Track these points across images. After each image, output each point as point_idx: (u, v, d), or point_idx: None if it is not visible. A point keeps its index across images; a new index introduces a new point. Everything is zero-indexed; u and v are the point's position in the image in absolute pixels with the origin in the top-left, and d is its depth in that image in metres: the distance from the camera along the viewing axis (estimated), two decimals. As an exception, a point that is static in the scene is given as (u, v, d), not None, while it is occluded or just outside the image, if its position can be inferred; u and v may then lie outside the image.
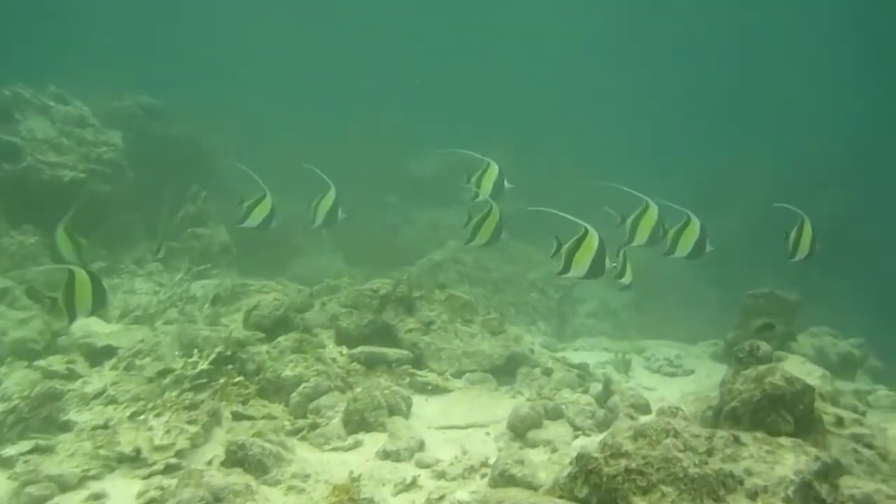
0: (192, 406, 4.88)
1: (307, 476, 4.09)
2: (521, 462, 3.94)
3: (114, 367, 5.92)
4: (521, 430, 4.92)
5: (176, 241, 9.42)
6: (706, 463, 2.74)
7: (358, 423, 4.95)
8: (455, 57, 28.51)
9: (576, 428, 5.09)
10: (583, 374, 6.52)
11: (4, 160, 8.70)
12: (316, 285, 8.78)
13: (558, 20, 29.90)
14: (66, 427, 4.76)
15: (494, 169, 5.82)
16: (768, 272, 9.78)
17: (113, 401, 5.20)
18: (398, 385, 5.64)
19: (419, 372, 6.05)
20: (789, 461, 2.78)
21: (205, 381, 5.39)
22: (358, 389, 5.27)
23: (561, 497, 2.99)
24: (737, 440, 2.89)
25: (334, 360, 5.82)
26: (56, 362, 5.94)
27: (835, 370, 6.71)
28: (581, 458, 2.93)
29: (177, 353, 5.93)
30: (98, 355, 6.17)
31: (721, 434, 2.91)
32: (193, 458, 4.45)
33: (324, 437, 4.81)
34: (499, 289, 11.17)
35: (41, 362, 5.94)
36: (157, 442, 4.46)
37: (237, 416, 5.04)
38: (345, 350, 6.13)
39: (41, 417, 4.70)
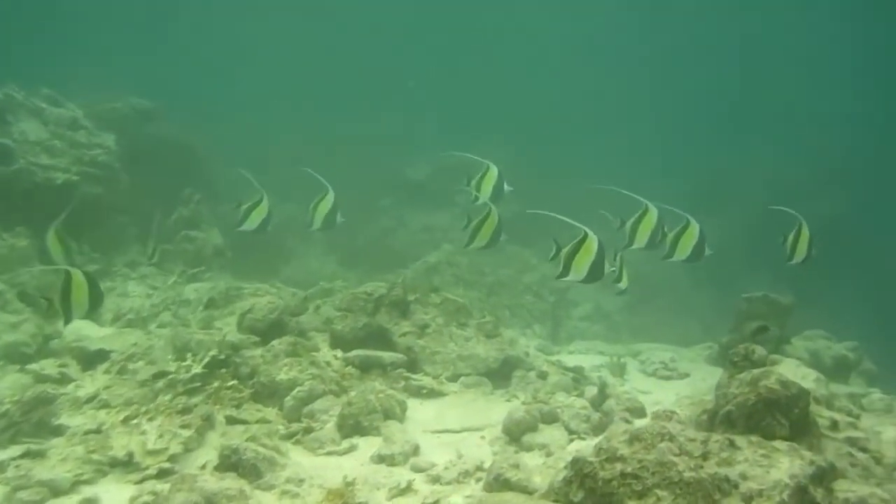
0: (186, 410, 4.86)
1: (301, 481, 4.08)
2: (516, 466, 3.94)
3: (106, 371, 5.88)
4: (516, 433, 4.92)
5: (169, 243, 9.39)
6: (701, 467, 2.74)
7: (352, 427, 4.94)
8: (455, 57, 28.52)
9: (571, 432, 5.09)
10: (578, 378, 6.51)
11: (-4, 162, 8.65)
12: (310, 288, 8.76)
13: (558, 20, 29.93)
14: (58, 431, 4.73)
15: (494, 172, 5.81)
16: (766, 274, 9.79)
17: (106, 405, 5.18)
18: (393, 389, 5.63)
19: (414, 375, 6.04)
20: (784, 465, 2.78)
21: (198, 384, 5.37)
22: (352, 393, 5.26)
23: (556, 501, 2.99)
24: (732, 444, 2.90)
25: (329, 363, 5.81)
26: (48, 366, 5.90)
27: (829, 373, 6.70)
28: (576, 462, 2.93)
29: (170, 356, 5.90)
30: (91, 359, 6.13)
31: (716, 438, 2.92)
32: (187, 462, 4.42)
33: (318, 441, 4.80)
34: (493, 292, 11.15)
35: (33, 366, 5.91)
36: (150, 446, 4.43)
37: (231, 421, 5.01)
38: (339, 354, 6.12)
39: (33, 422, 4.66)
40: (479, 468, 4.24)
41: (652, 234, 5.29)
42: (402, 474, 4.27)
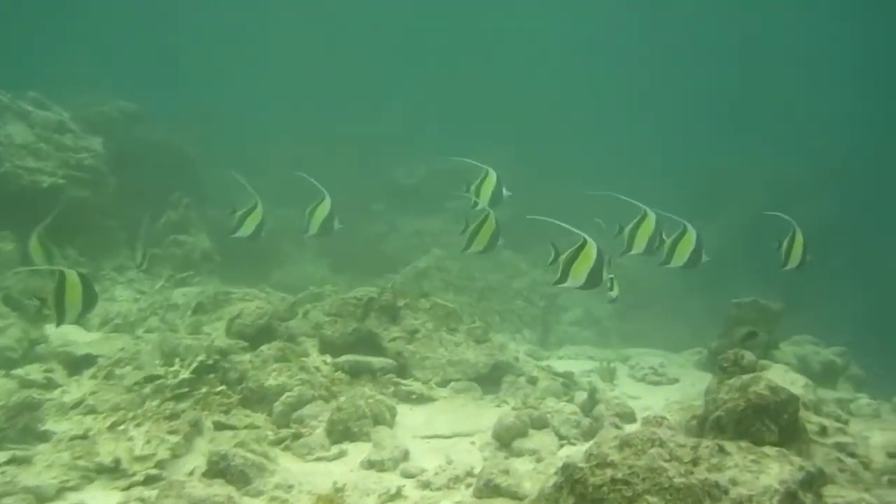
0: (174, 416, 4.82)
1: (290, 487, 4.06)
2: (506, 472, 3.93)
3: (93, 377, 5.83)
4: (506, 439, 4.91)
5: (158, 248, 9.32)
6: (691, 473, 2.74)
7: (342, 432, 4.91)
8: (455, 57, 28.50)
9: (561, 437, 5.09)
10: (568, 383, 6.52)
11: (-18, 166, 8.58)
12: (300, 293, 8.72)
13: (558, 20, 29.96)
14: (43, 437, 4.68)
15: (493, 177, 5.80)
16: (761, 278, 9.78)
17: (92, 410, 5.13)
18: (382, 394, 5.62)
19: (404, 381, 6.02)
20: (774, 470, 2.79)
21: (186, 390, 5.33)
22: (342, 399, 5.23)
23: (547, 507, 2.98)
24: (722, 450, 2.90)
25: (318, 368, 5.78)
26: (34, 371, 5.85)
27: (817, 379, 6.76)
28: (566, 468, 2.92)
29: (158, 361, 5.86)
30: (77, 364, 6.08)
31: (706, 443, 2.92)
32: (174, 468, 4.38)
33: (307, 447, 4.77)
34: (483, 297, 11.14)
35: (18, 371, 5.84)
36: (137, 452, 4.39)
37: (219, 426, 4.97)
38: (329, 359, 6.09)
39: (18, 427, 4.62)
40: (469, 474, 4.23)
41: (650, 240, 5.29)
42: (392, 480, 4.25)
